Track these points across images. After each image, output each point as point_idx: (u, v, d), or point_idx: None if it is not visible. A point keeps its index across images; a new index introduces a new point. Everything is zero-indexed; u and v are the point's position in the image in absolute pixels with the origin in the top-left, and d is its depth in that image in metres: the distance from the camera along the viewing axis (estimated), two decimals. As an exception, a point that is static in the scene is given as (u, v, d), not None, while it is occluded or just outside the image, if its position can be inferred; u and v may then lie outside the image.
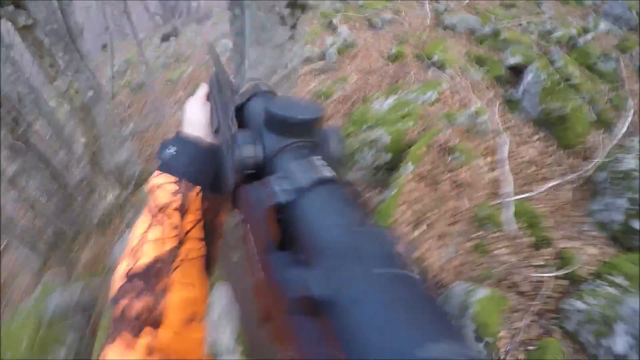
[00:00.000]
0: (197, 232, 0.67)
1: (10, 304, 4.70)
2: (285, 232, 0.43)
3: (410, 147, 3.68)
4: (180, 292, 0.61)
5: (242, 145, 0.51)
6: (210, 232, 0.70)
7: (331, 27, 7.40)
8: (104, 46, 14.89)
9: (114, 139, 4.98)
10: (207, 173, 0.69)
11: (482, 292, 2.69)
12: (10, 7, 1.92)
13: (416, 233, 3.18)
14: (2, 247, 5.76)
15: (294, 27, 2.57)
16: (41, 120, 5.20)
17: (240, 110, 0.62)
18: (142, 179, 5.38)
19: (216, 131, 0.67)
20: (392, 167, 3.78)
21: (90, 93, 4.28)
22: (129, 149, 5.25)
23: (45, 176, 4.61)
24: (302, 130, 0.51)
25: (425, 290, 0.32)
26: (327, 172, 0.44)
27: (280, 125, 0.51)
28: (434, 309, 0.30)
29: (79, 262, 4.47)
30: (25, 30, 2.03)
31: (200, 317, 0.65)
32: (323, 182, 0.42)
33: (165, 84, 8.78)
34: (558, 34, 5.61)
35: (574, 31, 5.61)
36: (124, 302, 0.58)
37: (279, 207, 0.42)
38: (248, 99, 0.64)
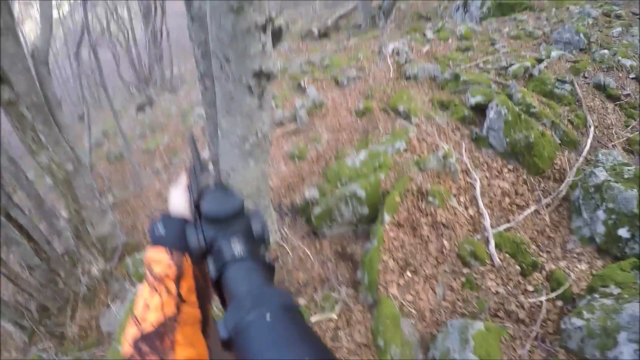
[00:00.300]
0: (192, 297, 0.77)
1: None
2: (222, 295, 0.65)
3: (385, 197, 3.78)
4: (183, 352, 0.69)
5: (190, 237, 0.72)
6: (203, 296, 0.80)
7: (300, 89, 7.67)
8: (81, 117, 15.12)
9: (95, 211, 5.02)
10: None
11: (479, 326, 2.72)
12: None
13: (403, 280, 3.23)
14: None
15: (261, 95, 2.71)
16: (21, 193, 5.23)
17: (197, 207, 0.82)
18: (125, 251, 5.40)
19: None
20: (371, 219, 3.86)
21: (70, 166, 4.34)
22: (110, 220, 5.28)
23: (26, 250, 4.58)
24: (227, 220, 0.73)
25: (307, 327, 0.51)
26: (238, 252, 0.66)
27: (211, 220, 0.73)
28: (313, 341, 0.49)
29: (66, 336, 4.39)
30: (8, 106, 2.13)
31: None
32: (236, 260, 0.65)
33: (142, 154, 8.93)
34: (514, 68, 5.87)
35: (528, 63, 5.87)
36: None
37: (215, 280, 0.66)
38: (201, 197, 0.83)
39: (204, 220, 0.75)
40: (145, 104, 12.98)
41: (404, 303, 3.12)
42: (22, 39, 3.85)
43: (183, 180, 0.95)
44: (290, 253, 3.88)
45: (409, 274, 3.27)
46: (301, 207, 4.39)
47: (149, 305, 0.72)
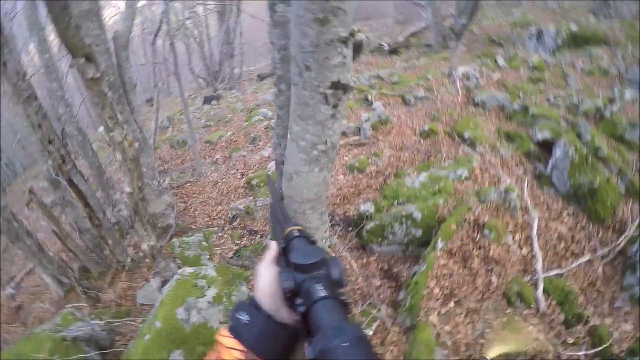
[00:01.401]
0: None
1: (25, 326, 4.78)
2: (309, 326, 0.74)
3: (441, 223, 3.77)
4: None
5: (285, 280, 0.82)
6: None
7: (366, 103, 7.68)
8: (149, 101, 15.65)
9: (152, 190, 5.22)
10: (275, 349, 0.79)
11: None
12: (82, 60, 2.16)
13: (445, 309, 3.22)
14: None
15: (335, 106, 2.76)
16: (83, 162, 5.47)
17: (284, 249, 0.96)
18: (176, 231, 5.60)
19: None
20: (422, 242, 3.86)
21: (136, 145, 4.54)
22: (165, 201, 5.48)
23: (79, 214, 4.81)
24: (313, 267, 0.83)
25: (376, 355, 0.63)
26: (322, 293, 0.75)
27: (300, 267, 0.84)
28: None
29: (101, 300, 4.54)
30: (91, 83, 2.27)
31: None
32: (320, 299, 0.74)
33: (204, 144, 9.16)
34: (585, 106, 5.68)
35: (600, 102, 5.66)
36: None
37: (303, 314, 0.76)
38: (289, 241, 0.97)
39: (294, 267, 0.85)
40: (212, 98, 13.28)
41: (442, 333, 3.12)
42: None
43: (271, 254, 0.96)
44: (337, 264, 3.92)
45: (452, 304, 3.27)
46: (354, 220, 4.44)
47: None
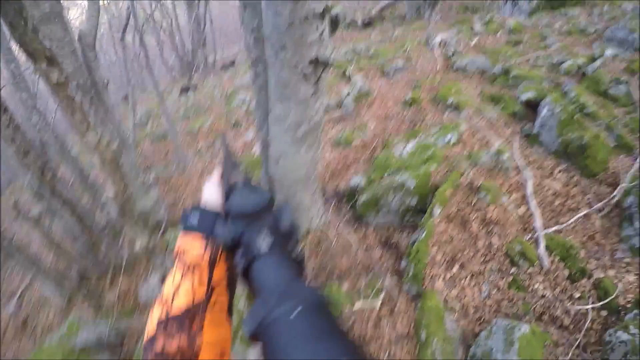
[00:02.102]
0: (222, 284, 0.78)
1: (34, 337, 4.71)
2: (251, 287, 0.65)
3: (435, 189, 3.68)
4: (210, 335, 0.71)
5: (218, 231, 0.74)
6: (232, 282, 0.82)
7: (345, 78, 7.55)
8: (125, 98, 15.37)
9: (139, 186, 5.08)
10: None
11: (524, 329, 2.62)
12: (44, 64, 2.01)
13: (450, 274, 3.15)
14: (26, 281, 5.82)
15: (316, 83, 2.65)
16: (66, 167, 5.33)
17: (226, 202, 0.82)
18: (167, 226, 5.46)
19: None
20: (418, 210, 3.78)
21: (115, 145, 4.41)
22: (153, 197, 5.34)
23: (69, 220, 4.69)
24: (255, 216, 0.73)
25: (336, 324, 0.49)
26: (265, 247, 0.66)
27: (239, 215, 0.74)
28: (342, 339, 0.47)
29: (105, 301, 4.48)
30: (57, 87, 2.12)
31: (227, 355, 0.75)
32: (263, 255, 0.64)
33: (185, 135, 8.99)
34: (566, 65, 5.64)
35: (581, 60, 5.64)
36: (158, 346, 0.66)
37: (242, 272, 0.66)
38: (232, 190, 0.84)
39: (233, 216, 0.75)
40: (188, 88, 13.05)
41: (449, 298, 3.04)
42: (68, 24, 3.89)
43: (217, 175, 0.95)
44: (334, 238, 3.83)
45: (455, 269, 3.19)
46: (346, 194, 4.32)
47: (178, 289, 0.72)
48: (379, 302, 3.04)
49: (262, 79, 3.37)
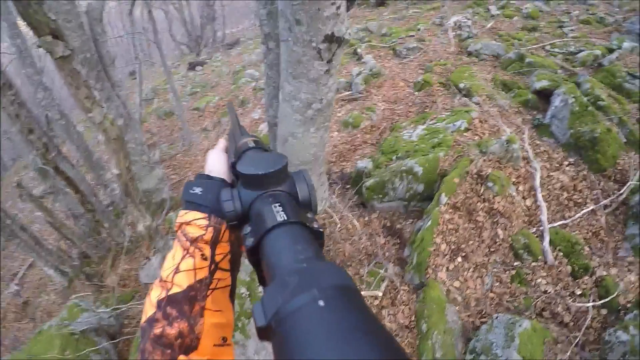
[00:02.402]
0: (225, 264, 0.71)
1: (34, 319, 4.76)
2: (260, 268, 0.53)
3: (443, 176, 3.63)
4: (211, 318, 0.66)
5: (224, 202, 0.61)
6: (235, 262, 0.74)
7: (356, 57, 7.42)
8: (132, 73, 15.23)
9: (143, 165, 5.05)
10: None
11: (525, 325, 2.61)
12: (48, 38, 1.94)
13: (453, 264, 3.12)
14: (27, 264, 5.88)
15: (330, 61, 2.56)
16: (70, 145, 5.30)
17: (234, 167, 0.68)
18: (171, 206, 5.45)
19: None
20: (424, 197, 3.73)
21: (121, 121, 4.35)
22: (157, 175, 5.31)
23: (72, 200, 4.68)
24: (268, 181, 0.62)
25: (371, 315, 0.37)
26: (281, 217, 0.53)
27: (249, 180, 0.62)
28: (380, 335, 0.35)
29: (105, 285, 4.50)
30: (61, 61, 2.05)
31: (229, 341, 0.70)
32: (278, 224, 0.52)
33: (192, 112, 8.90)
34: (582, 55, 5.53)
35: (597, 52, 5.52)
36: (157, 329, 0.61)
37: (251, 249, 0.53)
38: (241, 154, 0.72)
39: (242, 182, 0.65)
40: (196, 64, 12.88)
41: (451, 289, 3.02)
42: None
43: (221, 144, 0.87)
44: (338, 223, 3.80)
45: (459, 259, 3.16)
46: (352, 177, 4.26)
47: (179, 267, 0.66)
48: (382, 291, 3.02)
49: (274, 55, 3.28)
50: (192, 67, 12.81)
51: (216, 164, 0.79)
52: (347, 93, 6.17)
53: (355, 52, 7.53)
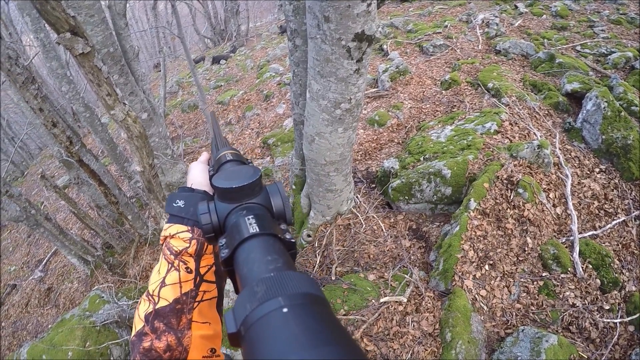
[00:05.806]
0: (210, 276, 0.72)
1: (57, 305, 4.77)
2: (234, 278, 0.52)
3: (472, 180, 3.46)
4: (199, 330, 0.67)
5: (200, 215, 0.61)
6: (220, 274, 0.74)
7: (381, 53, 7.22)
8: (157, 65, 15.21)
9: (167, 159, 4.98)
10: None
11: (552, 340, 2.46)
12: (68, 35, 1.83)
13: (480, 273, 2.97)
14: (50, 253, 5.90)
15: (360, 60, 2.43)
16: (94, 137, 5.28)
17: (212, 178, 0.70)
18: None
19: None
20: (452, 200, 3.57)
21: (144, 115, 4.27)
22: (181, 169, 5.25)
23: (96, 192, 4.66)
24: (242, 194, 0.62)
25: (335, 323, 0.37)
26: (254, 228, 0.53)
27: (224, 194, 0.63)
28: (342, 341, 0.34)
29: (127, 275, 4.47)
30: (82, 58, 1.94)
31: (218, 352, 0.70)
32: (251, 236, 0.52)
33: (216, 105, 8.81)
34: (614, 56, 5.27)
35: (630, 54, 5.25)
36: (146, 342, 0.61)
37: (225, 260, 0.53)
38: (219, 167, 0.75)
39: (218, 195, 0.65)
40: (220, 57, 12.75)
41: (477, 298, 2.88)
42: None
43: (204, 156, 0.87)
44: (363, 224, 3.66)
45: (487, 267, 2.99)
46: (378, 177, 4.10)
47: (165, 281, 0.67)
48: (406, 297, 2.88)
49: (301, 52, 3.15)
50: (216, 60, 12.72)
51: (198, 176, 0.79)
52: (374, 90, 5.98)
53: (381, 48, 7.33)
